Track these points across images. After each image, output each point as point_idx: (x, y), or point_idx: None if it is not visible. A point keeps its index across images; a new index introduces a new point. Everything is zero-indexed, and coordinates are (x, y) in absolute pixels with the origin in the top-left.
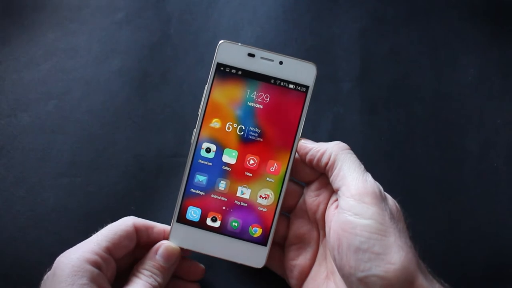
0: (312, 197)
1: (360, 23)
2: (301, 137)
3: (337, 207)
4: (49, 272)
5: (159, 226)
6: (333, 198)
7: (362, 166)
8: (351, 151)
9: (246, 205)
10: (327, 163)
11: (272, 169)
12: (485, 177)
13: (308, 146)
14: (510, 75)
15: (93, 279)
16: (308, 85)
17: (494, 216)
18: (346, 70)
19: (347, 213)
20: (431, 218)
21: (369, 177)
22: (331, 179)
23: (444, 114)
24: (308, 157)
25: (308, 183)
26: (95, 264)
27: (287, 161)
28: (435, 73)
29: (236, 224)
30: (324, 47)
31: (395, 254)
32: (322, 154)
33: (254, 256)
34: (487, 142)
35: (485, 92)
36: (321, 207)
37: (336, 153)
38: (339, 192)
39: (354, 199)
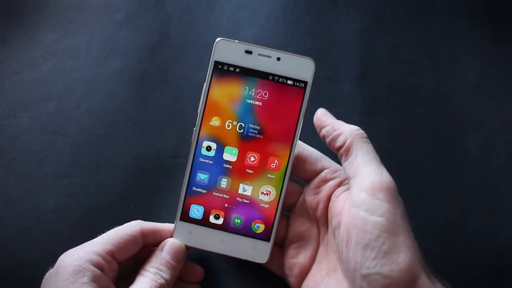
0: (311, 195)
1: (360, 23)
2: (321, 107)
3: (341, 196)
4: (51, 270)
5: (166, 228)
6: (343, 187)
7: (378, 158)
8: (368, 140)
9: (248, 201)
10: (341, 147)
11: (272, 165)
12: (485, 177)
13: (326, 122)
14: (510, 75)
15: (94, 279)
16: (306, 80)
17: (494, 217)
18: (346, 71)
19: (359, 208)
20: (430, 219)
21: (384, 171)
22: (344, 165)
23: (444, 115)
24: (323, 132)
25: (307, 181)
26: (97, 265)
27: (288, 157)
28: (435, 73)
29: (238, 221)
30: (324, 48)
31: (402, 254)
32: (338, 135)
33: (258, 252)
34: (487, 142)
35: (485, 93)
36: (321, 205)
37: (352, 140)
38: (351, 182)
39: (367, 193)
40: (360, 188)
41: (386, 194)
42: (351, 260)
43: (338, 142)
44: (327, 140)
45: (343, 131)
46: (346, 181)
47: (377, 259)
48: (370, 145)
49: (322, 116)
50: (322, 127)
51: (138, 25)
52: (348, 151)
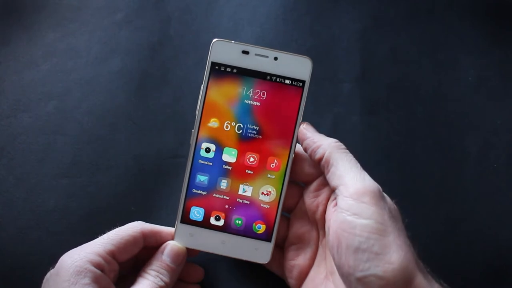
0: (311, 198)
1: (360, 23)
2: (304, 121)
3: (335, 205)
4: (52, 270)
5: (167, 231)
6: (332, 197)
7: (359, 165)
8: (347, 151)
9: (248, 202)
10: (320, 159)
11: (272, 165)
12: (485, 178)
13: (307, 135)
14: (510, 75)
15: (95, 280)
16: (304, 79)
17: (494, 217)
18: (346, 71)
19: (346, 213)
20: (430, 219)
21: (366, 175)
22: (327, 177)
23: (444, 115)
24: (304, 145)
25: (307, 184)
26: (98, 266)
27: (287, 157)
28: (435, 73)
29: (239, 222)
30: (324, 48)
31: (394, 254)
32: (317, 148)
33: (259, 252)
34: (487, 142)
35: (485, 93)
36: (321, 207)
37: (330, 151)
38: (336, 191)
39: (353, 198)
40: (345, 195)
41: (372, 197)
42: (344, 264)
43: (318, 154)
44: (308, 152)
45: (321, 144)
46: None
47: (369, 261)
48: (349, 154)
49: (303, 130)
50: (303, 140)
51: (138, 25)
52: (328, 163)
